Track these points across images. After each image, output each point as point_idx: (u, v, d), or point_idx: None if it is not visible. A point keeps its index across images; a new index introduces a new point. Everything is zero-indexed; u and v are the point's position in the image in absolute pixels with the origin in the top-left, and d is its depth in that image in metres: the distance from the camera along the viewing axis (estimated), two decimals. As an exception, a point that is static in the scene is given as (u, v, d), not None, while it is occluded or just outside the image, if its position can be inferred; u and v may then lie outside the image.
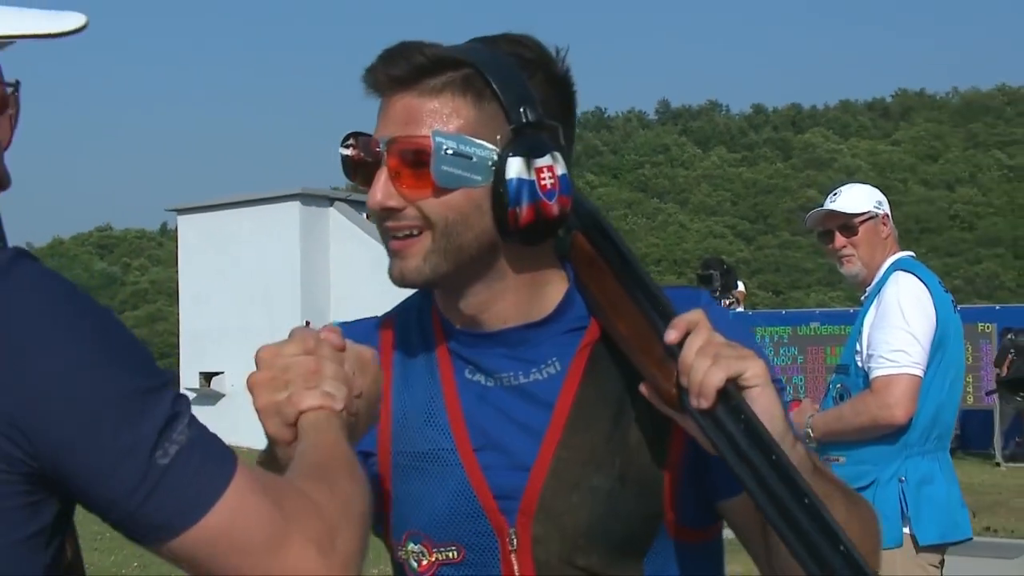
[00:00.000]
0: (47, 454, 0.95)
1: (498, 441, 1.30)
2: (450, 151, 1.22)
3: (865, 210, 3.73)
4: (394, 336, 1.41)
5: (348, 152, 1.29)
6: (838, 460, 3.51)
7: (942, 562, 3.54)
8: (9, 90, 1.23)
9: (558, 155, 1.25)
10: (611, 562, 1.28)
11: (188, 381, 23.11)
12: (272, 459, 1.15)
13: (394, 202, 1.25)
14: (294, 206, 22.30)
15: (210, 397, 22.57)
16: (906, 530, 3.44)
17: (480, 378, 1.33)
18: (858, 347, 3.60)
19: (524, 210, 1.23)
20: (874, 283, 3.70)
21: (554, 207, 1.24)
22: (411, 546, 1.33)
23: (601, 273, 1.29)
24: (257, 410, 1.15)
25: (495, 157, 1.23)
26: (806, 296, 45.18)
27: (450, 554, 1.31)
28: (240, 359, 24.40)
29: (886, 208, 3.81)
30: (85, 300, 1.00)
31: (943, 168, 62.12)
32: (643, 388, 1.24)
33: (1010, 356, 12.20)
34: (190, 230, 23.36)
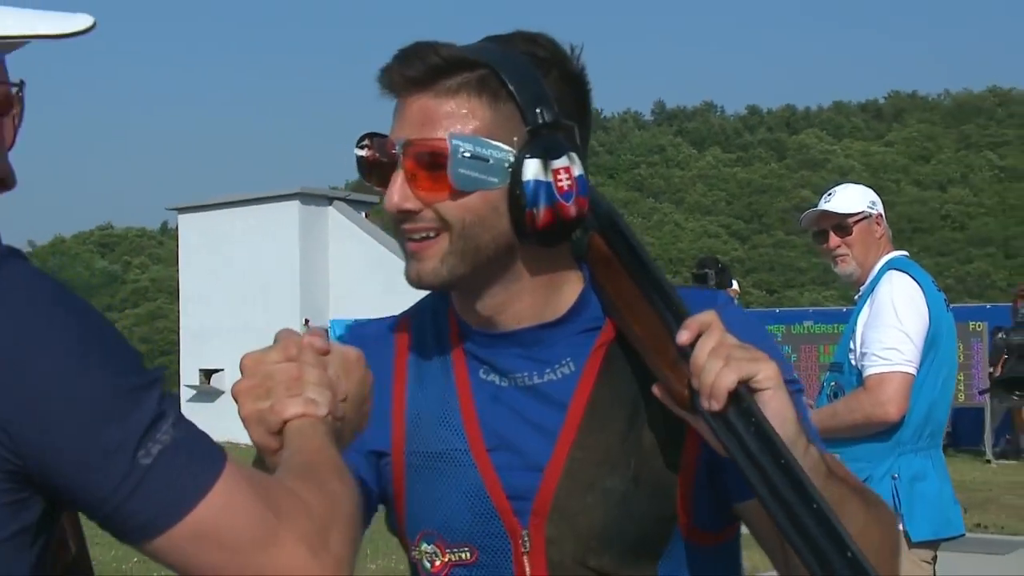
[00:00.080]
0: (31, 453, 0.94)
1: (512, 441, 1.29)
2: (467, 154, 1.20)
3: (859, 210, 3.73)
4: (409, 337, 1.39)
5: (363, 153, 1.27)
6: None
7: (935, 558, 3.55)
8: (14, 90, 1.23)
9: (575, 156, 1.23)
10: (624, 564, 1.26)
11: (188, 378, 23.14)
12: (262, 467, 1.14)
13: (411, 204, 1.23)
14: (293, 205, 22.32)
15: (210, 394, 22.57)
16: (899, 526, 3.44)
17: (494, 378, 1.32)
18: (852, 345, 3.60)
19: (542, 212, 1.22)
20: (868, 282, 3.70)
21: (571, 208, 1.23)
22: (424, 546, 1.32)
23: (617, 274, 1.28)
24: (242, 419, 1.13)
25: (512, 159, 1.21)
26: (800, 295, 45.19)
27: (463, 555, 1.29)
28: (240, 356, 24.29)
29: (880, 208, 3.82)
30: (73, 300, 1.00)
31: (935, 169, 62.16)
32: (656, 389, 1.22)
33: (1004, 356, 12.21)
34: (190, 229, 23.38)
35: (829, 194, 3.85)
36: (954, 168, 61.62)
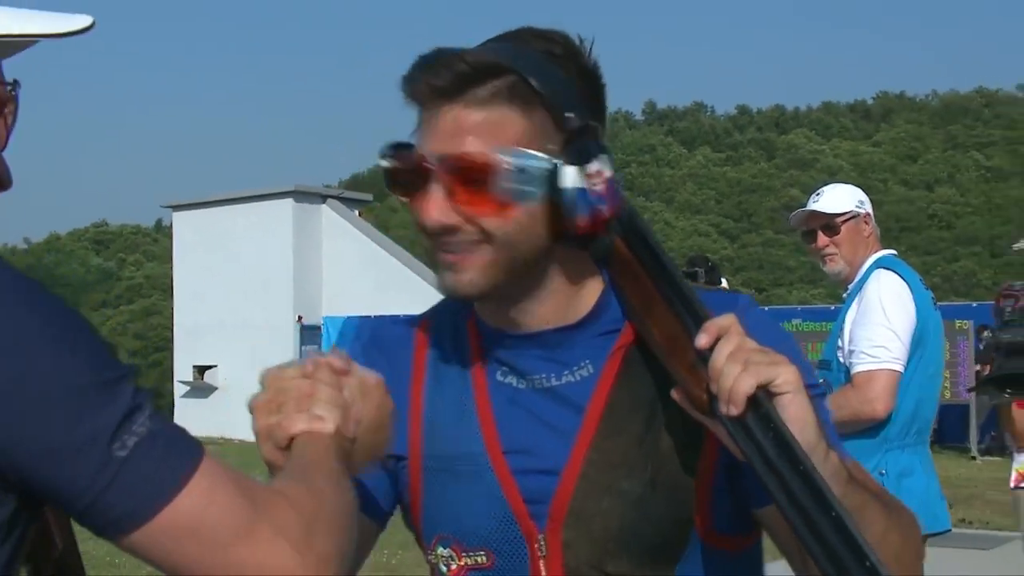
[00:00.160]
0: (4, 448, 0.93)
1: (528, 444, 1.27)
2: (510, 167, 1.17)
3: (847, 210, 3.74)
4: (428, 339, 1.37)
5: (390, 164, 1.24)
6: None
7: (921, 553, 3.55)
8: (8, 89, 1.22)
9: (605, 157, 1.21)
10: (642, 568, 1.24)
11: (182, 374, 23.13)
12: None
13: (452, 219, 1.20)
14: (287, 203, 22.31)
15: (203, 390, 22.56)
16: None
17: (512, 380, 1.30)
18: (840, 343, 3.61)
19: (582, 218, 1.20)
20: (856, 280, 3.71)
21: (607, 211, 1.21)
22: (441, 550, 1.30)
23: (637, 276, 1.26)
24: (254, 433, 1.13)
25: (550, 167, 1.19)
26: (788, 293, 45.28)
27: (479, 559, 1.27)
28: (233, 353, 24.45)
29: (868, 207, 3.82)
30: (46, 297, 0.98)
31: (922, 169, 62.28)
32: (675, 393, 1.20)
33: (993, 355, 12.22)
34: (185, 226, 23.36)
35: (817, 194, 3.86)
36: (941, 168, 61.75)
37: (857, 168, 58.03)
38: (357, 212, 24.05)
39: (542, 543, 1.25)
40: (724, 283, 8.75)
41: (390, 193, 1.27)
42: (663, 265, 1.24)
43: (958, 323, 13.60)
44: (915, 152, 64.54)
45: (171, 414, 23.81)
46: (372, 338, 1.40)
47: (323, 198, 23.28)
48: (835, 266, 3.76)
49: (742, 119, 77.80)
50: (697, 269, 8.14)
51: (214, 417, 21.51)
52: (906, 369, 3.49)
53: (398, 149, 1.24)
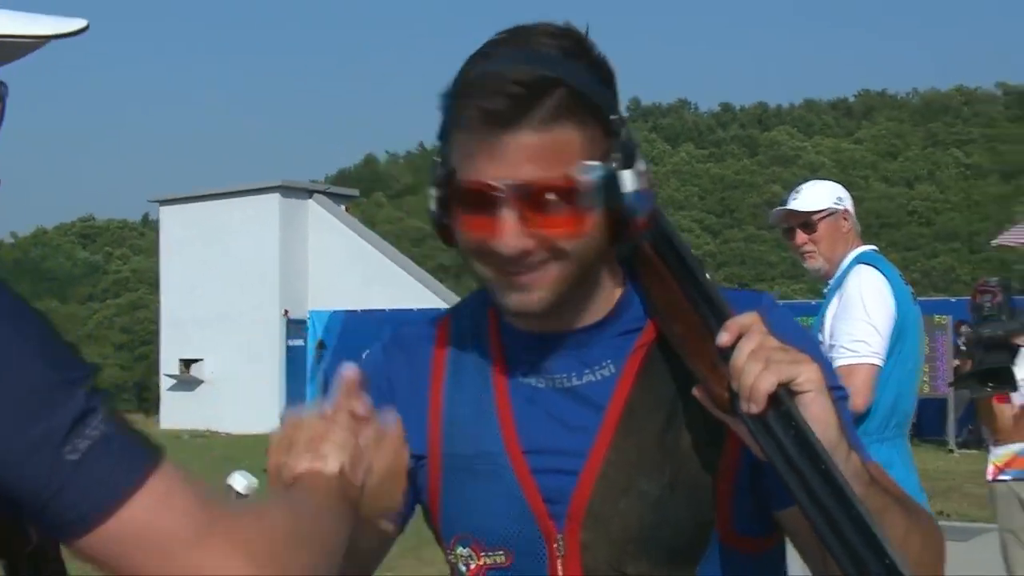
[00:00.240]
0: None
1: (548, 444, 1.26)
2: (583, 187, 1.16)
3: (824, 207, 3.76)
4: (448, 338, 1.36)
5: (443, 192, 1.21)
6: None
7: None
8: None
9: (640, 153, 1.21)
10: (661, 569, 1.23)
11: (168, 368, 23.06)
12: None
13: (527, 244, 1.17)
14: (274, 198, 22.28)
15: (189, 383, 22.51)
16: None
17: (532, 380, 1.29)
18: (820, 337, 3.62)
19: (640, 219, 1.19)
20: (837, 276, 3.72)
21: (651, 209, 1.21)
22: (460, 550, 1.29)
23: (660, 274, 1.25)
24: (267, 472, 1.12)
25: (610, 175, 1.17)
26: (770, 288, 45.32)
27: (498, 558, 1.26)
28: (220, 347, 24.37)
29: (847, 204, 3.84)
30: (3, 293, 0.95)
31: (903, 166, 62.48)
32: (696, 391, 1.19)
33: (973, 350, 12.30)
34: (172, 221, 23.30)
35: (796, 192, 3.87)
36: (921, 165, 61.95)
37: (839, 165, 58.16)
38: (344, 207, 24.01)
39: (560, 543, 1.24)
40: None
41: (436, 221, 1.24)
42: (687, 263, 1.23)
43: (937, 318, 13.66)
44: (896, 149, 64.74)
45: (157, 407, 23.75)
46: (393, 338, 1.39)
47: (310, 193, 23.24)
48: (814, 263, 3.78)
49: (725, 116, 77.91)
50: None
51: (200, 410, 21.47)
52: (886, 363, 3.51)
53: (450, 178, 1.20)
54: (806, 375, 1.10)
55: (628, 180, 1.18)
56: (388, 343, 1.39)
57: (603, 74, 1.21)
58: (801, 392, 1.10)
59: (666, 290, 1.24)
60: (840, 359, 3.47)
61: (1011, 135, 60.78)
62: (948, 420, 14.67)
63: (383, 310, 21.31)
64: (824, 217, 3.74)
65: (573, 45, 1.19)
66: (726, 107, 79.67)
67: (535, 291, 1.20)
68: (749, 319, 1.14)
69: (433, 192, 1.22)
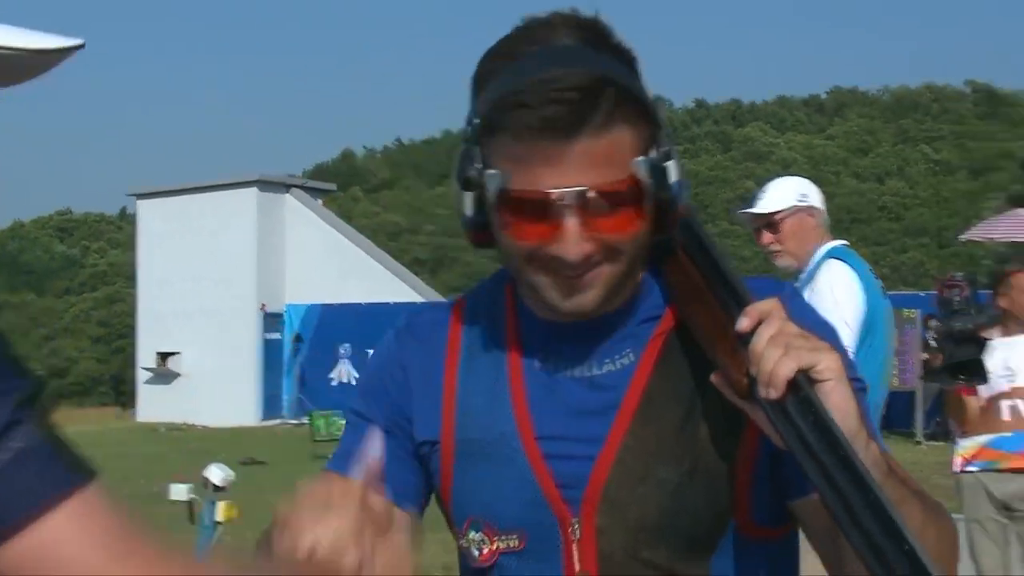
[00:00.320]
0: None
1: (563, 430, 1.24)
2: (642, 183, 1.15)
3: (786, 207, 3.77)
4: (463, 323, 1.34)
5: (500, 201, 1.16)
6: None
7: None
8: None
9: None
10: (678, 558, 1.22)
11: (145, 361, 22.95)
12: None
13: (590, 248, 1.16)
14: (251, 192, 22.19)
15: (166, 376, 22.41)
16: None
17: (549, 367, 1.27)
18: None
19: (683, 208, 1.19)
20: (807, 270, 3.74)
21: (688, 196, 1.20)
22: (472, 534, 1.28)
23: (679, 260, 1.24)
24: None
25: (660, 167, 1.16)
26: (743, 283, 45.32)
27: (511, 543, 1.25)
28: (197, 340, 24.22)
29: (812, 200, 3.85)
30: None
31: (873, 162, 62.81)
32: (714, 377, 1.17)
33: (943, 344, 12.39)
34: (150, 214, 23.18)
35: (762, 191, 3.89)
36: (891, 161, 62.30)
37: (811, 161, 58.40)
38: (320, 201, 23.94)
39: (576, 528, 1.22)
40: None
41: (471, 223, 1.20)
42: (708, 249, 1.22)
43: (906, 312, 13.75)
44: (866, 145, 65.05)
45: (134, 400, 23.62)
46: (407, 323, 1.38)
47: (287, 187, 23.16)
48: (782, 261, 3.81)
49: (699, 112, 78.05)
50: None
51: (177, 403, 21.37)
52: (855, 356, 3.53)
53: (505, 193, 1.16)
54: (826, 363, 1.09)
55: (674, 171, 1.18)
56: (402, 329, 1.37)
57: (628, 60, 1.19)
58: (821, 380, 1.09)
59: (686, 276, 1.23)
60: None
61: (979, 132, 61.24)
62: (916, 413, 14.77)
63: (359, 304, 21.27)
64: (787, 216, 3.76)
65: (595, 36, 1.18)
66: (700, 103, 79.88)
67: (589, 291, 1.19)
68: (769, 305, 1.13)
69: (468, 196, 1.18)
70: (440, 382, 1.31)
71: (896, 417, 14.54)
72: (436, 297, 23.99)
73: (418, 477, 1.32)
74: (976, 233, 15.11)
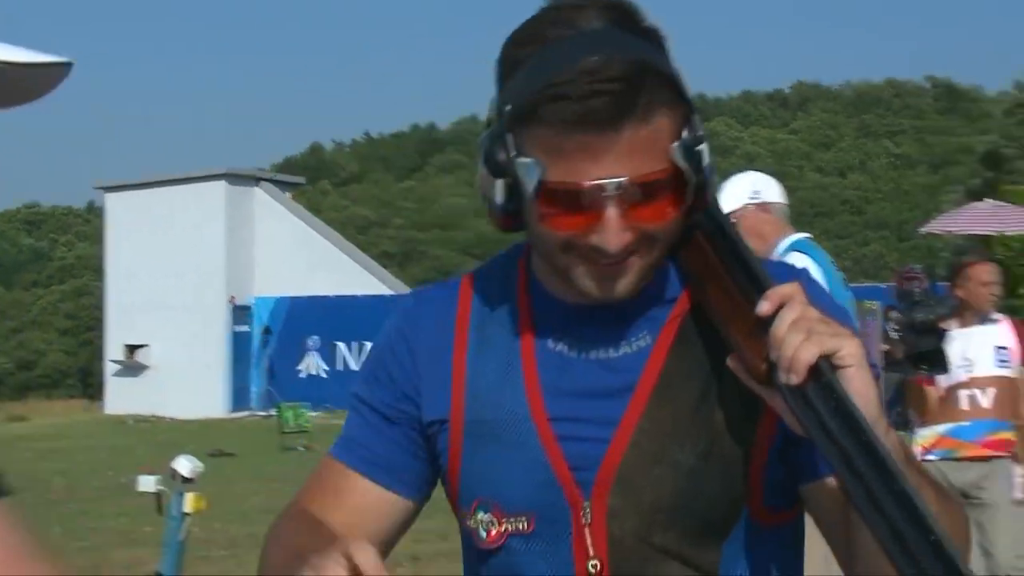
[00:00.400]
0: None
1: (576, 412, 1.21)
2: (682, 171, 1.12)
3: (737, 207, 3.75)
4: (472, 300, 1.30)
5: (551, 195, 1.12)
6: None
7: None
8: None
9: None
10: (689, 543, 1.19)
11: (113, 353, 22.79)
12: None
13: (629, 238, 1.12)
14: (220, 185, 22.08)
15: (135, 369, 22.26)
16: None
17: (563, 348, 1.23)
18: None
19: (711, 189, 1.16)
20: (771, 263, 3.76)
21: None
22: (480, 515, 1.24)
23: (697, 243, 1.21)
24: None
25: (695, 151, 1.13)
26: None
27: (520, 524, 1.21)
28: (166, 332, 24.04)
29: (766, 195, 3.84)
30: None
31: (836, 156, 63.26)
32: (731, 361, 1.15)
33: (904, 335, 12.49)
34: (118, 207, 23.01)
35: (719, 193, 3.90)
36: (853, 155, 62.76)
37: (774, 155, 58.73)
38: (289, 195, 23.84)
39: (587, 510, 1.19)
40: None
41: (500, 209, 1.15)
42: (727, 232, 1.20)
43: (867, 303, 13.83)
44: (829, 140, 65.48)
45: (101, 393, 23.45)
46: (413, 303, 1.33)
47: (256, 180, 23.06)
48: (747, 260, 3.81)
49: (664, 107, 78.24)
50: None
51: (145, 396, 21.22)
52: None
53: (544, 184, 1.12)
54: (848, 348, 1.06)
55: (706, 153, 1.14)
56: (409, 308, 1.33)
57: (658, 41, 1.16)
58: (843, 366, 1.06)
59: (703, 258, 1.20)
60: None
61: (939, 127, 61.81)
62: (878, 402, 14.89)
63: (328, 296, 21.21)
64: (742, 216, 3.74)
65: (624, 17, 1.14)
66: (665, 98, 79.95)
67: (623, 279, 1.16)
68: (791, 289, 1.11)
69: (499, 183, 1.14)
70: (449, 361, 1.27)
71: (858, 407, 14.67)
72: (404, 290, 23.96)
73: (423, 464, 1.29)
74: (935, 226, 15.25)
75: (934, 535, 0.98)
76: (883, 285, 16.42)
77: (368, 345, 21.66)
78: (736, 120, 70.14)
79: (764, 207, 3.79)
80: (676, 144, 1.11)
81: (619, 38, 1.11)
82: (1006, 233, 14.68)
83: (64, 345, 41.16)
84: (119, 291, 22.69)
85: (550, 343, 1.24)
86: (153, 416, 20.08)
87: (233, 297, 21.83)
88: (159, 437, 16.29)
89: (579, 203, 1.11)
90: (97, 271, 28.21)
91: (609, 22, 1.13)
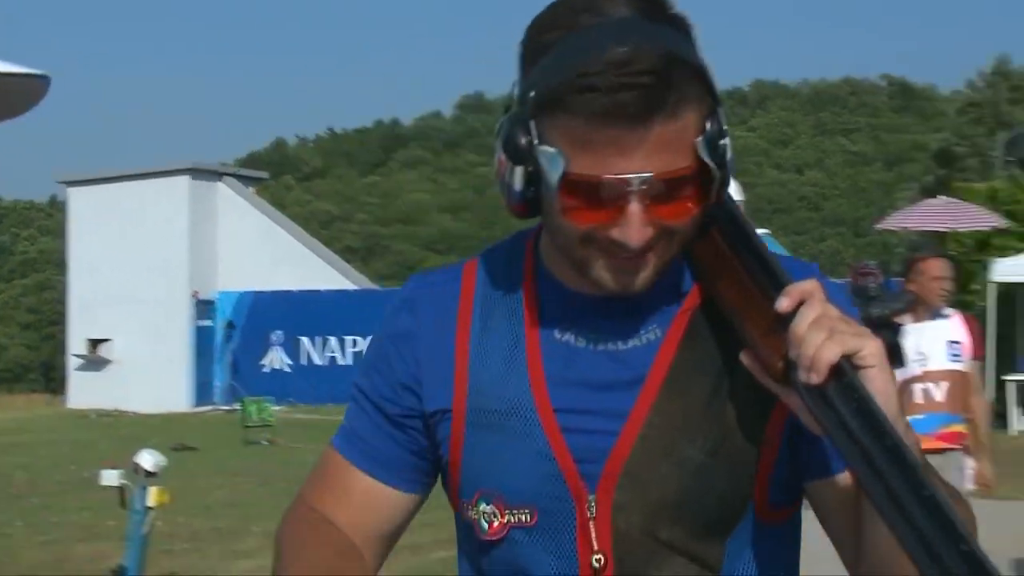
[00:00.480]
0: None
1: (583, 404, 1.18)
2: (709, 166, 1.09)
3: None
4: (476, 287, 1.26)
5: (573, 187, 1.09)
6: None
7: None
8: None
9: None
10: (695, 538, 1.16)
11: (75, 348, 22.56)
12: None
13: (651, 233, 1.10)
14: (183, 180, 21.91)
15: (97, 363, 22.05)
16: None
17: (570, 338, 1.20)
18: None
19: (730, 183, 1.13)
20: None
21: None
22: (482, 506, 1.21)
23: (710, 236, 1.17)
24: None
25: (719, 145, 1.10)
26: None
27: (523, 517, 1.19)
28: (129, 327, 23.82)
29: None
30: None
31: (794, 153, 63.70)
32: (744, 357, 1.12)
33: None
34: (81, 202, 22.79)
35: None
36: (811, 153, 63.24)
37: (734, 152, 59.04)
38: (253, 189, 23.70)
39: (592, 504, 1.16)
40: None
41: (519, 196, 1.12)
42: (741, 225, 1.17)
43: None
44: (787, 137, 65.92)
45: (64, 387, 23.22)
46: (413, 290, 1.29)
47: (219, 175, 22.90)
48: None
49: (626, 104, 78.39)
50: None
51: (108, 390, 21.02)
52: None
53: (567, 175, 1.09)
54: (870, 348, 1.04)
55: (729, 147, 1.11)
56: (407, 296, 1.29)
57: (686, 30, 1.12)
58: (865, 366, 1.04)
59: (716, 252, 1.17)
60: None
61: (894, 125, 62.43)
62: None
63: (291, 291, 21.11)
64: None
65: (650, 3, 1.11)
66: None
67: (641, 273, 1.13)
68: (810, 285, 1.08)
69: (518, 170, 1.11)
70: (452, 349, 1.24)
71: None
72: (368, 285, 23.92)
73: (423, 459, 1.27)
74: (891, 222, 15.41)
75: (967, 547, 0.93)
76: (840, 281, 16.60)
77: (332, 340, 21.70)
78: (696, 117, 70.31)
79: None
80: (701, 139, 1.08)
81: (648, 28, 1.08)
82: (959, 230, 14.87)
83: (26, 339, 40.71)
84: (82, 285, 22.46)
85: (556, 333, 1.21)
86: (116, 410, 19.91)
87: (196, 292, 21.68)
88: (122, 431, 16.14)
89: (601, 196, 1.08)
90: (59, 265, 27.92)
91: (637, 10, 1.09)
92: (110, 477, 5.24)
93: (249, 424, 15.07)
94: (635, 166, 1.06)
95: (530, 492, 1.18)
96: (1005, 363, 14.46)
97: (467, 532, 1.25)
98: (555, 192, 1.09)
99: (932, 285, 5.07)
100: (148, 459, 5.08)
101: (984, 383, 6.18)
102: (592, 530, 1.16)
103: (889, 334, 4.71)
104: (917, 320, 5.05)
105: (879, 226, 16.91)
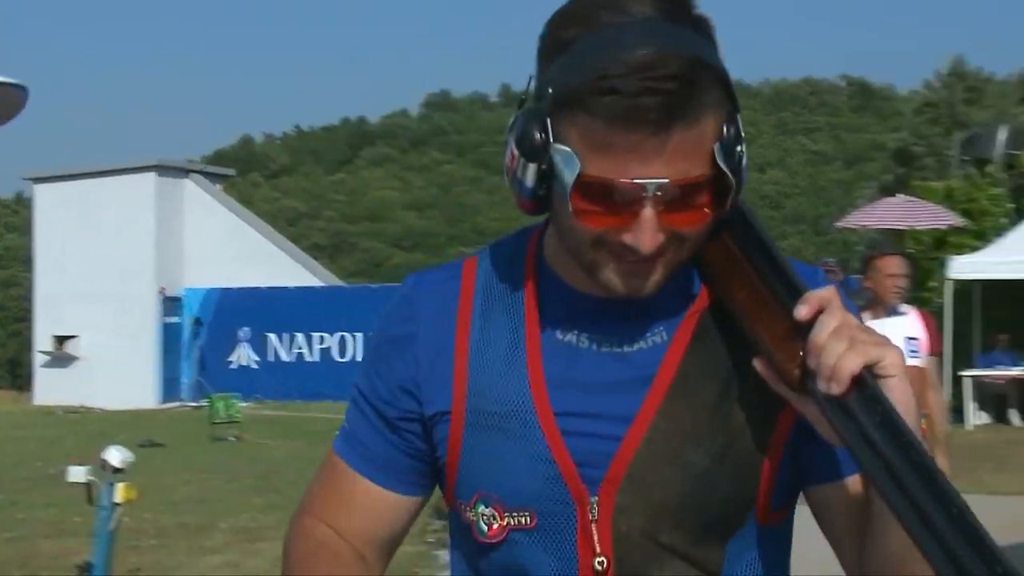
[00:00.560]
0: None
1: (586, 406, 1.16)
2: (726, 174, 1.06)
3: None
4: (477, 283, 1.23)
5: (587, 189, 1.06)
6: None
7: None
8: None
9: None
10: (696, 541, 1.15)
11: (42, 344, 22.37)
12: None
13: (663, 239, 1.07)
14: (150, 177, 21.77)
15: (63, 360, 21.88)
16: None
17: (572, 339, 1.18)
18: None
19: (743, 190, 1.10)
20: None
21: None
22: (481, 508, 1.19)
23: (721, 240, 1.15)
24: None
25: (736, 151, 1.07)
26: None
27: (523, 519, 1.17)
28: (95, 323, 23.65)
29: None
30: None
31: (755, 152, 64.01)
32: (757, 364, 1.09)
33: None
34: (47, 198, 22.59)
35: None
36: (772, 152, 63.65)
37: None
38: (220, 187, 23.57)
39: (594, 507, 1.14)
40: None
41: (530, 194, 1.10)
42: (756, 230, 1.14)
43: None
44: (749, 136, 63.81)
45: (30, 384, 22.99)
46: (412, 289, 1.26)
47: (186, 172, 22.78)
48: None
49: (590, 103, 78.52)
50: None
51: (75, 387, 20.85)
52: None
53: (582, 177, 1.06)
54: (891, 359, 1.02)
55: (744, 152, 1.09)
56: (409, 294, 1.26)
57: (708, 31, 1.09)
58: (885, 376, 1.02)
59: (727, 255, 1.15)
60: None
61: (853, 124, 62.95)
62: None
63: (259, 288, 21.01)
64: None
65: (674, 5, 1.07)
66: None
67: (651, 277, 1.10)
68: (829, 293, 1.06)
69: (531, 167, 1.09)
70: (451, 349, 1.21)
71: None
72: (335, 282, 23.85)
73: (422, 462, 1.24)
74: (850, 221, 15.51)
75: (1003, 570, 0.91)
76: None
77: (299, 336, 21.63)
78: (660, 117, 70.57)
79: None
80: (718, 145, 1.06)
81: (671, 30, 1.04)
82: (917, 228, 15.00)
83: (-9, 336, 40.22)
84: (48, 282, 22.26)
85: (559, 333, 1.19)
86: (83, 407, 19.74)
87: (163, 288, 21.54)
88: (89, 428, 16.00)
89: (615, 200, 1.06)
90: (25, 262, 27.64)
91: (660, 10, 1.06)
92: (77, 473, 5.20)
93: (216, 420, 14.99)
94: (652, 172, 1.04)
95: (530, 494, 1.16)
96: (961, 359, 14.61)
97: (464, 533, 1.22)
98: (568, 193, 1.06)
99: (887, 282, 5.11)
100: (115, 455, 5.04)
101: (941, 379, 6.24)
102: (594, 532, 1.14)
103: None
104: (875, 317, 5.09)
105: (839, 224, 17.02)
